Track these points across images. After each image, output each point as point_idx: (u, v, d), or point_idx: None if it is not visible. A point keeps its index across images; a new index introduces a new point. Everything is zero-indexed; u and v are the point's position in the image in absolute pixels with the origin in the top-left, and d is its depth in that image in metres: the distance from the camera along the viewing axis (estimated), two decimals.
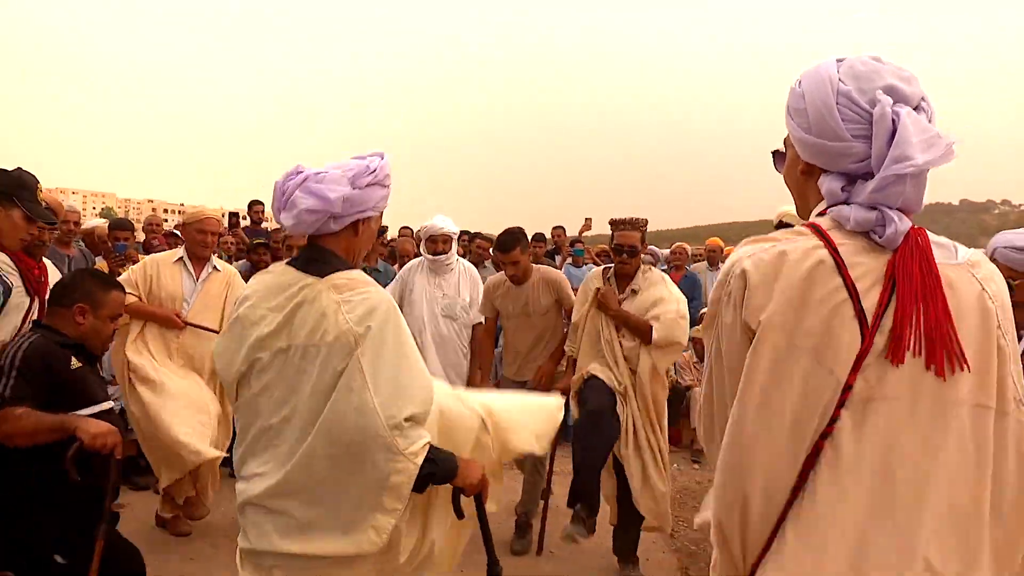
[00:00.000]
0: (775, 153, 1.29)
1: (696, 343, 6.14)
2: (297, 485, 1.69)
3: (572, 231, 8.08)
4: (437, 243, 4.15)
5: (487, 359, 4.15)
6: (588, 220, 7.51)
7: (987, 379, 1.05)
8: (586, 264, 7.09)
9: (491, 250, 4.00)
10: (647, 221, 3.48)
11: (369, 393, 1.61)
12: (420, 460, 1.66)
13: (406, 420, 1.64)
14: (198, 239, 3.80)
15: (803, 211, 1.23)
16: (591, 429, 3.32)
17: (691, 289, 6.98)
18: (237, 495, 1.79)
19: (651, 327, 3.31)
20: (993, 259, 1.94)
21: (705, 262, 7.69)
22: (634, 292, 3.42)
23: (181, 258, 3.84)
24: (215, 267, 3.91)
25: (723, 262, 8.13)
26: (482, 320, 4.15)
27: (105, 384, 2.50)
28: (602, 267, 3.64)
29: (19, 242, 2.67)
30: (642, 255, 3.49)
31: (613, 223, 3.52)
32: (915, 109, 1.07)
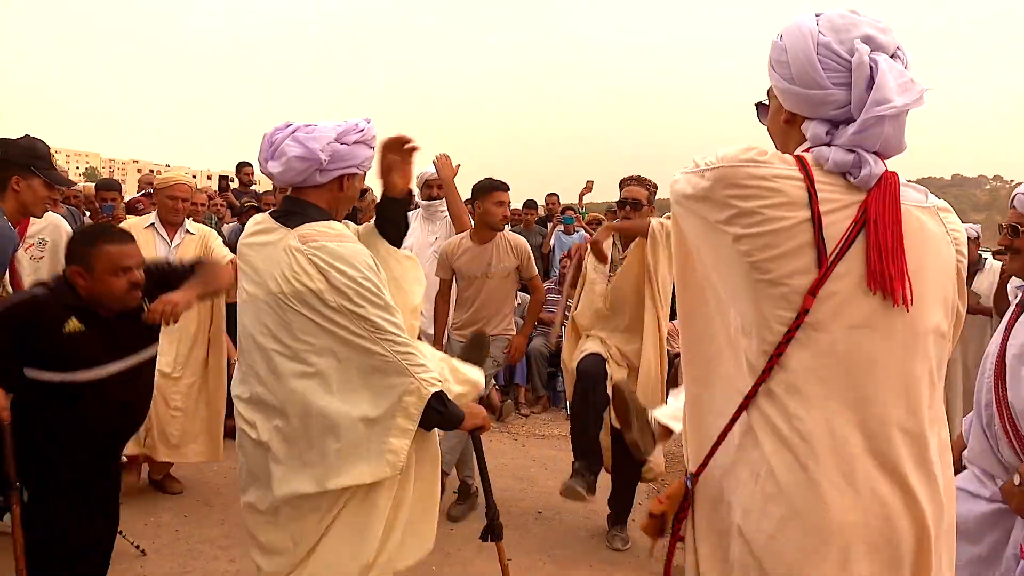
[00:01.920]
0: (758, 105, 1.35)
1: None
2: (310, 421, 1.75)
3: (570, 198, 8.06)
4: (432, 188, 4.20)
5: (443, 325, 4.04)
6: (589, 183, 7.51)
7: (947, 309, 1.16)
8: (577, 232, 7.10)
9: (475, 199, 3.82)
10: (656, 185, 3.52)
11: (361, 326, 1.68)
12: (431, 389, 1.75)
13: (407, 344, 1.73)
14: (169, 205, 3.78)
15: None
16: (583, 397, 3.45)
17: None
18: (239, 445, 1.86)
19: (649, 222, 3.32)
20: (1012, 206, 2.01)
21: None
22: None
23: (152, 224, 3.81)
24: (188, 231, 3.87)
25: None
26: None
27: (121, 344, 2.35)
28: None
29: (43, 210, 2.71)
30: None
31: (622, 181, 3.58)
32: (891, 57, 1.13)
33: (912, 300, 1.09)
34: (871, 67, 1.09)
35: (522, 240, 3.98)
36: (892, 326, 1.10)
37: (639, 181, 3.50)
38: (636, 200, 3.46)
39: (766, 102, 1.32)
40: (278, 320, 1.72)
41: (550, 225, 7.44)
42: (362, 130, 1.81)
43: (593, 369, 3.41)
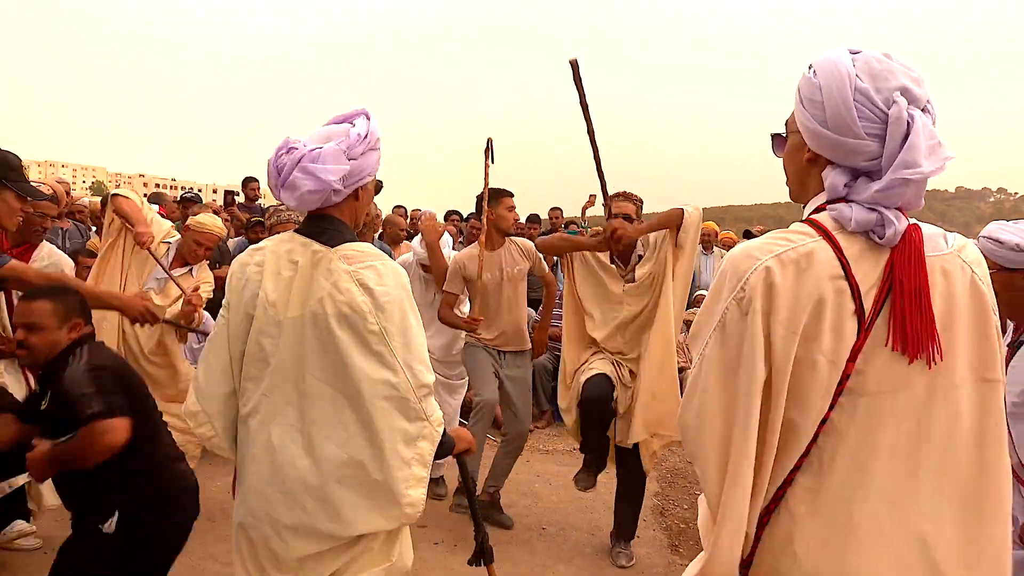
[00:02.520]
0: (775, 136, 1.27)
1: (690, 326, 6.16)
2: (328, 459, 1.69)
3: (574, 212, 8.09)
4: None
5: (455, 323, 4.11)
6: (592, 197, 7.56)
7: (988, 354, 1.10)
8: None
9: (480, 209, 3.92)
10: (642, 199, 3.60)
11: (396, 360, 1.65)
12: (441, 431, 1.73)
13: (427, 387, 1.70)
14: (192, 247, 3.77)
15: (799, 197, 1.23)
16: (589, 417, 3.52)
17: None
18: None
19: (681, 210, 3.36)
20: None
21: (699, 246, 7.72)
22: (640, 257, 3.53)
23: (170, 245, 3.76)
24: (191, 272, 3.80)
25: (717, 246, 8.20)
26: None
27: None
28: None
29: (15, 223, 2.68)
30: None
31: (610, 196, 3.62)
32: (922, 111, 1.09)
33: (942, 356, 1.06)
34: (908, 123, 1.06)
35: (528, 241, 4.13)
36: (925, 384, 1.07)
37: (626, 196, 3.56)
38: (627, 215, 3.51)
39: (783, 134, 1.25)
40: (314, 337, 1.67)
41: None
42: (366, 137, 1.74)
43: (599, 392, 3.47)
